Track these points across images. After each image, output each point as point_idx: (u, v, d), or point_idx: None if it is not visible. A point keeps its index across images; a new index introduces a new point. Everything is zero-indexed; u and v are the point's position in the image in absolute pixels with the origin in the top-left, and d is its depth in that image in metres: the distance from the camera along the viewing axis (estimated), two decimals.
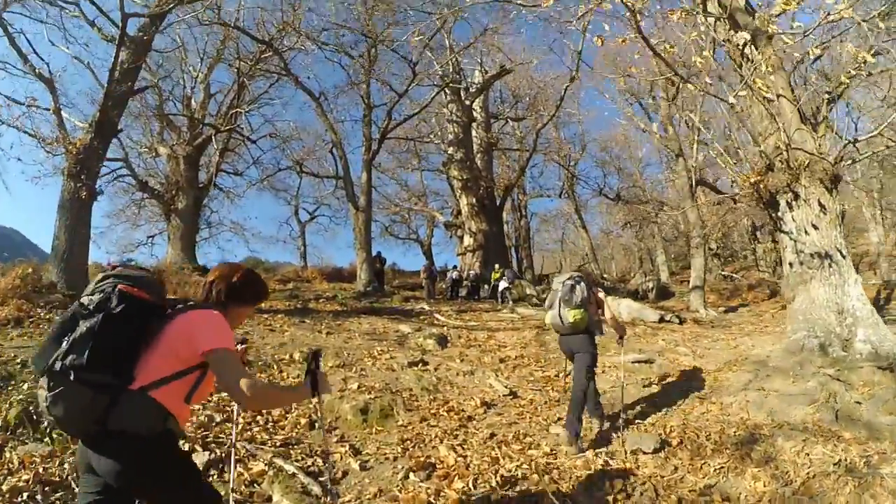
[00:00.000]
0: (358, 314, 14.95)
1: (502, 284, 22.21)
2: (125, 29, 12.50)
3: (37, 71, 13.89)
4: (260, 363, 8.61)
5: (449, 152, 27.01)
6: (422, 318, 15.27)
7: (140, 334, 2.72)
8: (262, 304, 15.40)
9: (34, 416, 5.40)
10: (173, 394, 2.73)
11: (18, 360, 7.10)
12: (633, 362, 10.54)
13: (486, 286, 24.13)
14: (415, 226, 39.67)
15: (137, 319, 2.71)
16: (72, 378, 2.49)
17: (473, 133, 27.61)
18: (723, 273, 33.84)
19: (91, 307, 2.64)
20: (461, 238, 27.32)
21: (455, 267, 25.40)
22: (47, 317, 9.94)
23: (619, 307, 19.44)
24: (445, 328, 13.58)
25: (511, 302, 21.63)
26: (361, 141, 23.22)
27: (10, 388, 6.17)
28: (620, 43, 8.81)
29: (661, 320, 16.28)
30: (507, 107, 30.99)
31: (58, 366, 2.50)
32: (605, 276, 36.48)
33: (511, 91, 31.69)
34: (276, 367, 8.61)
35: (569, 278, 6.83)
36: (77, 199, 12.05)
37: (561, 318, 6.65)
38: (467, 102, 26.49)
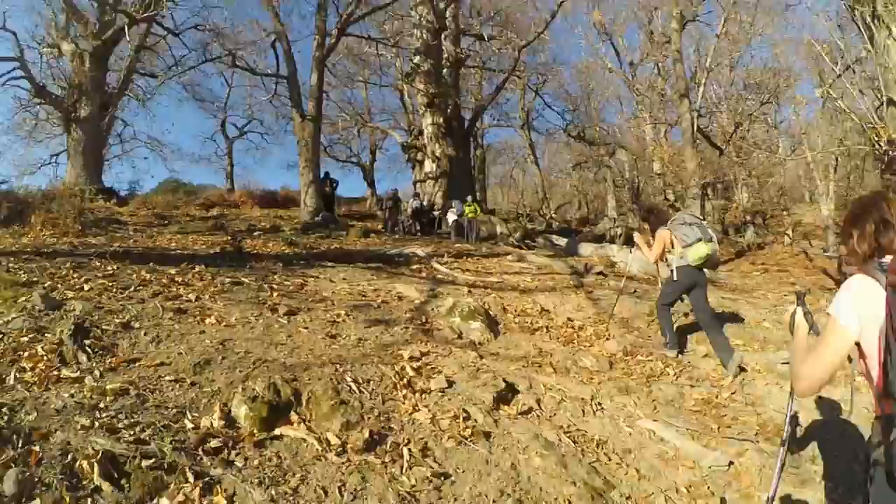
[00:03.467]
0: (320, 260, 8.83)
1: (451, 216, 17.26)
2: None
3: None
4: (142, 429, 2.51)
5: (415, 62, 20.44)
6: (414, 268, 9.31)
7: None
8: (172, 243, 8.94)
9: None
10: None
11: None
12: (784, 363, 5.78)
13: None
14: (357, 147, 32.63)
15: None
16: None
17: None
18: None
19: None
20: (421, 163, 21.07)
21: (417, 195, 19.33)
22: None
23: (627, 258, 14.27)
24: (465, 289, 7.75)
25: (476, 238, 16.41)
26: (313, 34, 16.42)
27: None
28: None
29: None
30: (478, 22, 24.33)
31: None
32: (553, 216, 31.25)
33: (479, 7, 25.13)
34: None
35: (692, 214, 6.46)
36: None
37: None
38: (441, 5, 19.83)
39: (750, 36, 24.28)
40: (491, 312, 6.56)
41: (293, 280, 6.85)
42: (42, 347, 3.74)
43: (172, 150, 28.34)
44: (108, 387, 3.36)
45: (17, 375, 3.32)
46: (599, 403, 4.70)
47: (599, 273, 10.80)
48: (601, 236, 23.86)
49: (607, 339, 6.46)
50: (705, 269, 6.28)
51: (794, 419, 3.00)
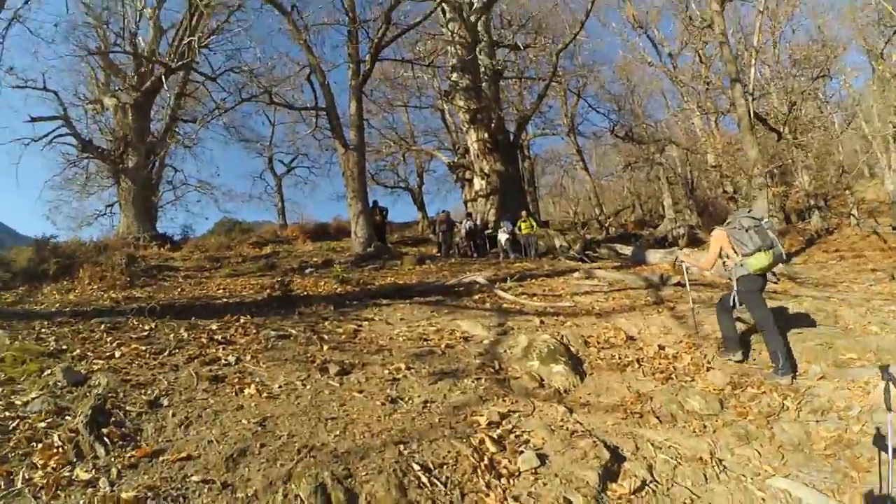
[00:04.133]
0: (374, 298, 8.10)
1: (502, 236, 16.13)
2: None
3: None
4: None
5: (453, 78, 19.75)
6: (476, 297, 8.47)
7: None
8: (220, 290, 8.38)
9: None
10: None
11: None
12: None
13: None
14: (404, 172, 32.12)
15: None
16: None
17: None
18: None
19: None
20: (469, 181, 20.26)
21: (469, 215, 18.53)
22: None
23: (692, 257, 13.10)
24: (536, 319, 6.87)
25: (534, 255, 15.85)
26: (346, 63, 15.91)
27: None
28: None
29: None
30: (510, 31, 23.47)
31: None
32: (611, 221, 29.84)
33: (509, 17, 24.32)
34: None
35: (749, 216, 5.58)
36: None
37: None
38: (472, 18, 19.10)
39: (793, 7, 22.73)
40: (571, 348, 5.65)
41: (346, 326, 6.12)
42: (59, 436, 3.16)
43: (224, 192, 28.61)
44: (122, 495, 2.69)
45: (27, 475, 2.79)
46: (720, 460, 3.79)
47: (677, 284, 9.74)
48: (663, 238, 22.58)
49: (708, 368, 5.46)
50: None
51: None
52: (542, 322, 6.74)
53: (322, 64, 16.16)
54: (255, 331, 5.64)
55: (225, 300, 7.86)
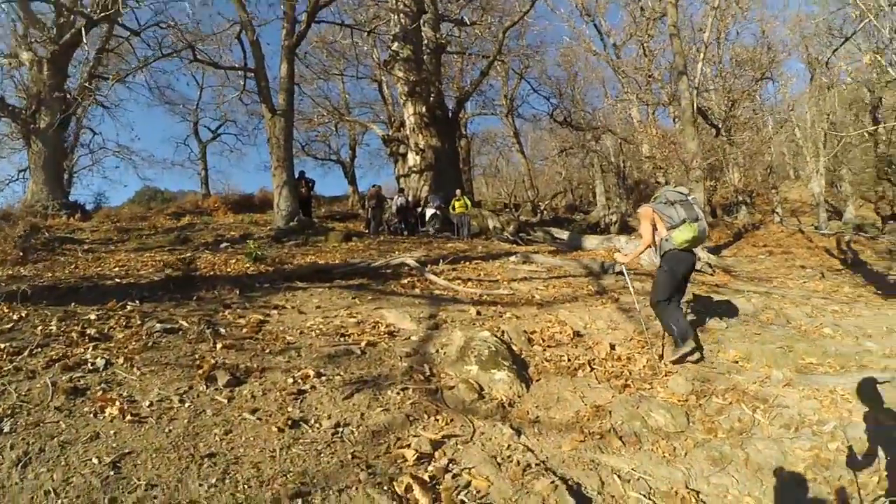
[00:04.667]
0: (289, 280, 7.08)
1: (428, 211, 15.78)
2: None
3: None
4: None
5: (393, 48, 18.55)
6: (405, 282, 7.58)
7: None
8: (116, 267, 7.18)
9: None
10: None
11: None
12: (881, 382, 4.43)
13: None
14: (336, 144, 30.67)
15: None
16: None
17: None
18: None
19: None
20: (403, 156, 19.20)
21: (402, 191, 17.50)
22: None
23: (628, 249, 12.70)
24: (472, 309, 6.09)
25: (467, 235, 15.06)
26: (280, 20, 14.54)
27: None
28: None
29: None
30: (457, 6, 22.31)
31: None
32: (546, 205, 29.46)
33: None
34: None
35: (676, 191, 5.36)
36: None
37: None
38: None
39: (743, 10, 22.89)
40: (514, 347, 4.88)
41: (250, 316, 5.11)
42: None
43: (144, 158, 26.33)
44: None
45: None
46: (697, 493, 3.13)
47: (619, 273, 9.23)
48: (596, 224, 22.40)
49: (666, 373, 4.83)
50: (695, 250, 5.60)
51: None
52: (478, 313, 5.96)
53: (254, 21, 14.75)
54: (139, 322, 4.57)
55: (117, 280, 6.66)
